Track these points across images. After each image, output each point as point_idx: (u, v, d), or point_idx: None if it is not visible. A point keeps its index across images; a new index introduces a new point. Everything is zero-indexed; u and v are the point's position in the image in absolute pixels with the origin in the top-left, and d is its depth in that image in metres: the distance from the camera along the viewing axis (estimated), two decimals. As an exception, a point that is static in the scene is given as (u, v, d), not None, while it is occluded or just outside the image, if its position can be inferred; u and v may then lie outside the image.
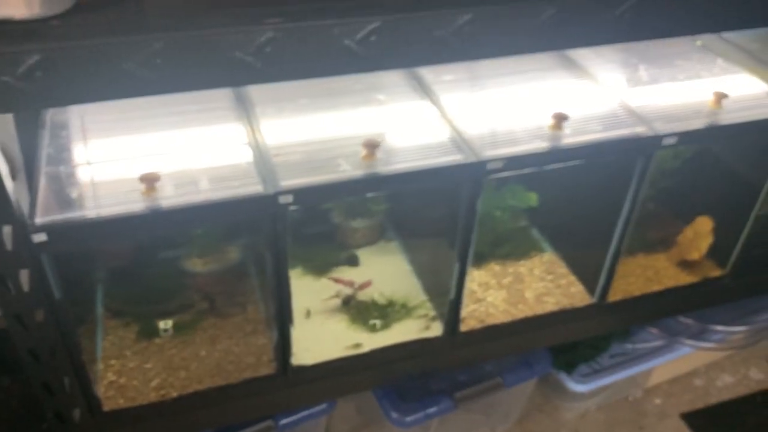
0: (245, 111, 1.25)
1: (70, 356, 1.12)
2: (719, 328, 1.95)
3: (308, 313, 1.44)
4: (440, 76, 1.41)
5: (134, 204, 1.01)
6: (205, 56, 0.87)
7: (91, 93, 0.82)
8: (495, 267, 1.61)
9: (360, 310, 1.46)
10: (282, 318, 1.24)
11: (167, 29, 0.84)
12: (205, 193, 1.04)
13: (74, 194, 1.02)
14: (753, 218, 1.56)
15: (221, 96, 1.29)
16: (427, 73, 1.41)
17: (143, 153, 1.14)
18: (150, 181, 1.02)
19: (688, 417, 1.98)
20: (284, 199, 1.06)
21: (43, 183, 1.03)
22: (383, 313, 1.46)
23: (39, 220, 0.96)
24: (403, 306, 1.48)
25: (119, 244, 1.39)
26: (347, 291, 1.47)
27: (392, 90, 1.36)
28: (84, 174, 1.08)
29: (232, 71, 0.89)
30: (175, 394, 1.29)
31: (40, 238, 0.94)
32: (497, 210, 1.63)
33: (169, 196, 1.03)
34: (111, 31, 0.83)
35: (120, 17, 0.87)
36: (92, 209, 0.99)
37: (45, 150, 1.11)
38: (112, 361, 1.33)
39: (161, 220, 1.02)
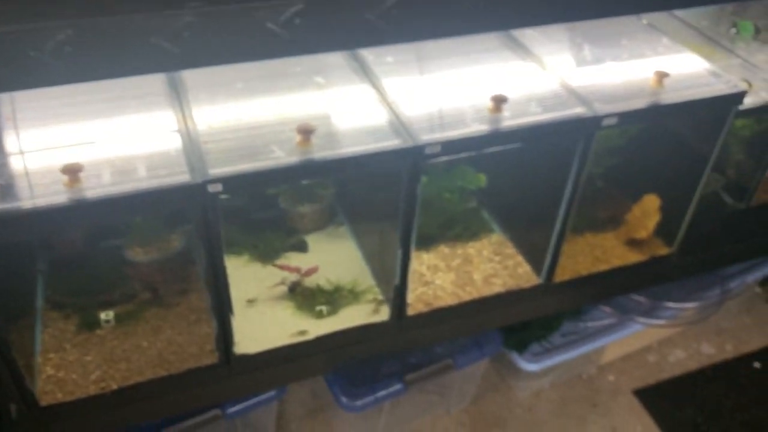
0: (177, 97, 1.21)
1: (2, 351, 1.09)
2: (670, 304, 1.98)
3: (252, 301, 1.42)
4: (381, 58, 1.38)
5: (56, 196, 0.98)
6: (119, 43, 0.84)
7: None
8: (444, 249, 1.60)
9: (306, 297, 1.44)
10: (221, 307, 1.22)
11: (76, 15, 0.80)
12: (131, 183, 1.01)
13: (-7, 186, 0.98)
14: (698, 196, 1.57)
15: (153, 82, 1.25)
16: (367, 54, 1.39)
17: (69, 142, 1.10)
18: (72, 171, 0.99)
19: (641, 393, 2.01)
20: (213, 188, 1.03)
21: (-40, 176, 1.00)
22: (330, 299, 1.45)
23: (-47, 213, 0.92)
24: (351, 291, 1.47)
25: (50, 235, 1.36)
26: (293, 278, 1.46)
27: (331, 73, 1.33)
28: (4, 165, 1.04)
29: (148, 58, 0.86)
30: (115, 387, 1.26)
31: (-43, 232, 0.91)
32: (446, 192, 1.62)
33: (94, 187, 1.00)
34: (16, 18, 0.79)
35: (25, 3, 0.83)
36: (12, 201, 0.96)
37: (-36, 141, 1.07)
38: (51, 355, 1.30)
39: (85, 211, 0.99)
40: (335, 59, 1.37)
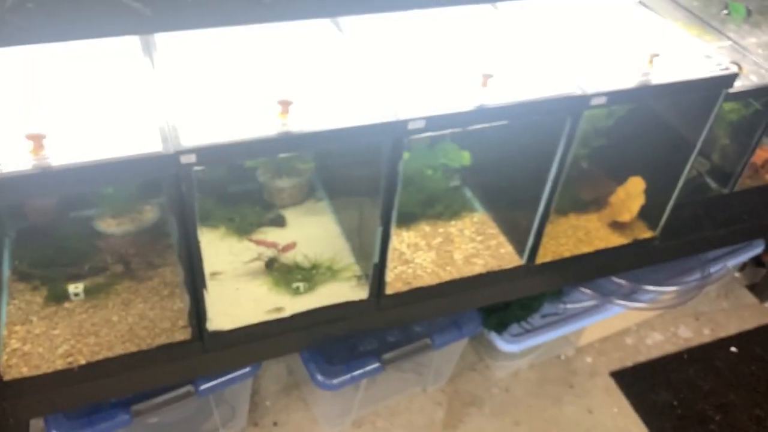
0: (151, 63, 1.16)
1: (-39, 324, 1.05)
2: (650, 288, 1.97)
3: (226, 276, 1.38)
4: (365, 28, 1.34)
5: (20, 164, 0.93)
6: (85, 1, 0.78)
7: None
8: (425, 227, 1.57)
9: (283, 273, 1.41)
10: (194, 282, 1.18)
11: (38, -30, 0.75)
12: (100, 151, 0.96)
13: (-49, 152, 0.93)
14: (683, 180, 1.55)
15: (126, 44, 1.19)
16: (350, 23, 1.33)
17: (37, 107, 1.05)
18: (37, 139, 0.94)
19: (617, 375, 2.01)
20: (186, 159, 0.99)
21: None
22: (307, 275, 1.42)
23: None
24: (329, 268, 1.44)
25: (17, 204, 1.31)
26: (270, 253, 1.42)
27: (314, 43, 1.28)
28: (-33, 129, 0.99)
29: (118, 19, 0.82)
30: (83, 362, 1.23)
31: None
32: (429, 169, 1.59)
33: (60, 156, 0.95)
34: (-27, -30, 0.74)
35: (-16, -45, 0.78)
36: (-29, 168, 0.91)
37: (-77, 102, 1.02)
38: (17, 327, 1.26)
39: (50, 180, 0.94)
40: (318, 28, 1.32)
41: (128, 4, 0.81)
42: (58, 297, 1.31)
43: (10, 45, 0.76)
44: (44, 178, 0.94)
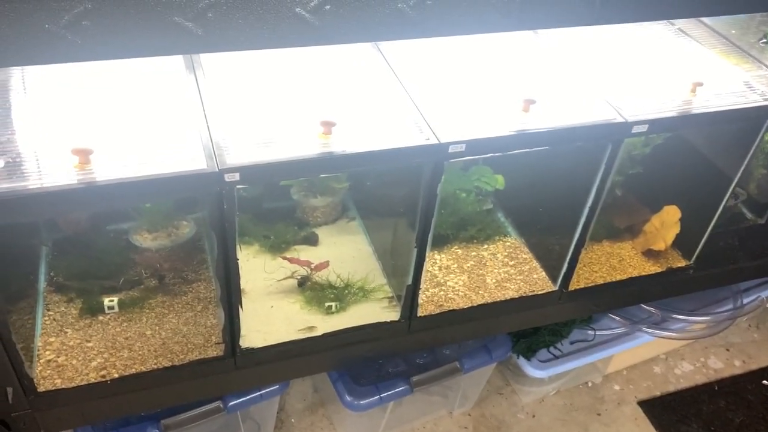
0: (196, 81, 1.17)
1: (1, 333, 1.06)
2: (681, 317, 1.94)
3: (259, 294, 1.38)
4: (407, 53, 1.34)
5: (65, 178, 0.94)
6: (140, 20, 0.80)
7: (7, 56, 0.74)
8: (458, 250, 1.56)
9: (315, 292, 1.41)
10: (230, 299, 1.18)
11: (98, -11, 0.76)
12: (145, 167, 0.97)
13: (0, 165, 0.94)
14: (721, 209, 1.53)
15: (172, 63, 1.21)
16: (393, 48, 1.34)
17: (83, 122, 1.06)
18: (83, 154, 0.95)
19: (645, 404, 1.98)
20: (230, 177, 0.99)
21: (-33, 151, 0.96)
22: (340, 295, 1.41)
23: (-41, 191, 0.88)
24: (361, 288, 1.43)
25: (58, 217, 1.32)
26: (303, 272, 1.42)
27: (357, 64, 1.29)
28: (15, 143, 1.00)
29: (170, 38, 0.83)
30: (116, 375, 1.23)
31: (-41, 211, 0.87)
32: (462, 192, 1.58)
33: (105, 170, 0.96)
34: (34, -12, 0.75)
35: (45, -27, 0.79)
36: (19, 181, 0.92)
37: (-26, 115, 1.03)
38: (52, 339, 1.27)
39: (94, 195, 0.95)
40: (358, 51, 1.32)
41: (181, 24, 0.82)
42: (93, 310, 1.32)
43: (66, 61, 0.77)
44: (89, 192, 0.94)
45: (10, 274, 1.17)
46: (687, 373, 2.10)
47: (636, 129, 1.22)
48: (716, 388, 2.06)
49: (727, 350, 2.17)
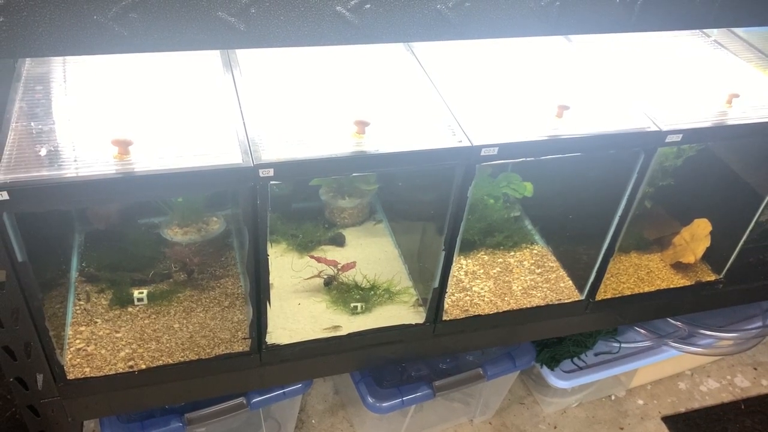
0: (233, 76, 1.19)
1: (33, 321, 1.08)
2: (709, 332, 1.91)
3: (286, 291, 1.39)
4: (440, 54, 1.35)
5: (104, 168, 0.96)
6: (185, 14, 0.81)
7: (55, 46, 0.76)
8: (484, 256, 1.56)
9: (341, 292, 1.41)
10: (258, 295, 1.19)
11: (145, -18, 0.78)
12: (182, 160, 0.99)
13: (42, 153, 0.96)
14: (753, 224, 1.51)
15: (210, 58, 1.23)
16: (426, 49, 1.35)
17: (122, 114, 1.08)
18: (123, 144, 0.96)
19: (669, 420, 1.95)
20: (265, 173, 1.00)
21: (10, 140, 0.98)
22: (365, 296, 1.42)
23: (1, 177, 0.90)
24: (387, 290, 1.44)
25: (93, 207, 1.35)
26: (330, 271, 1.43)
27: (390, 65, 1.30)
28: (56, 133, 1.02)
29: (213, 33, 0.84)
30: (144, 366, 1.24)
31: (1, 196, 0.89)
32: (491, 198, 1.58)
33: (143, 162, 0.98)
34: (83, -21, 0.77)
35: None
36: (59, 170, 0.94)
37: (17, 104, 1.06)
38: (82, 328, 1.29)
39: (132, 186, 0.97)
40: (393, 51, 1.34)
41: (224, 19, 0.83)
42: (123, 301, 1.34)
43: (112, 52, 0.79)
44: (127, 183, 0.96)
45: (45, 262, 1.19)
46: (713, 391, 2.07)
47: (670, 138, 1.22)
48: (742, 406, 2.02)
49: (755, 369, 2.14)
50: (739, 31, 1.64)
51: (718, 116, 1.27)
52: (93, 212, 1.42)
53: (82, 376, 1.21)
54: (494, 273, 1.52)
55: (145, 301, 1.34)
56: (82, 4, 0.76)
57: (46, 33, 0.75)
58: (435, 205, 1.29)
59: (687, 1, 1.01)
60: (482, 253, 1.57)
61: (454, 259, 1.31)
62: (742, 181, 1.51)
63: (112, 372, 1.23)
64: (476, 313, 1.43)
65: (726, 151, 1.54)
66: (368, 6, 0.88)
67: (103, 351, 1.25)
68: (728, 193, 1.54)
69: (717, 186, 1.55)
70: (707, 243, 1.58)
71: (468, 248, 1.56)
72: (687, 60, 1.47)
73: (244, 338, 1.28)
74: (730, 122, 1.26)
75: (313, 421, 1.80)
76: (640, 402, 2.00)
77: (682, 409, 1.99)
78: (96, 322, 1.30)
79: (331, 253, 1.51)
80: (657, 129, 1.22)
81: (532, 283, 1.51)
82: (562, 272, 1.53)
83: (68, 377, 1.20)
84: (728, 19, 1.07)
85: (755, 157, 1.47)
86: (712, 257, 1.60)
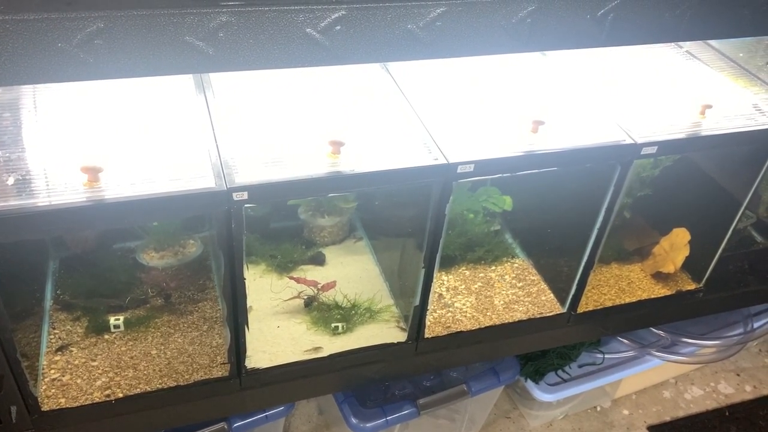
0: (205, 99, 1.18)
1: (4, 353, 1.05)
2: (691, 341, 1.92)
3: (265, 314, 1.37)
4: (415, 72, 1.34)
5: (73, 196, 0.94)
6: (151, 39, 0.80)
7: (19, 74, 0.75)
8: (465, 271, 1.55)
9: (322, 312, 1.40)
10: (236, 319, 1.17)
11: (108, 7, 0.77)
12: (153, 185, 0.97)
13: (9, 182, 0.94)
14: (731, 232, 1.52)
15: (180, 82, 1.22)
16: (401, 68, 1.35)
17: (93, 139, 1.06)
18: (93, 171, 0.95)
19: (655, 429, 1.95)
20: (239, 196, 0.99)
21: (-24, 168, 0.96)
22: (346, 316, 1.40)
23: (-33, 208, 0.88)
24: (368, 309, 1.42)
25: (66, 234, 1.32)
26: (310, 292, 1.41)
27: (365, 84, 1.29)
28: (25, 161, 1.00)
29: (181, 57, 0.83)
30: (121, 395, 1.22)
31: (-33, 227, 0.87)
32: (470, 212, 1.58)
33: (114, 188, 0.96)
34: (44, 5, 0.75)
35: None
36: (27, 199, 0.92)
37: (-16, 132, 1.04)
38: (57, 357, 1.26)
39: (102, 213, 0.95)
40: (367, 71, 1.33)
41: (193, 44, 0.82)
42: (99, 328, 1.31)
43: (78, 80, 0.77)
44: (98, 210, 0.94)
45: (17, 291, 1.17)
46: (697, 398, 2.07)
47: (645, 150, 1.22)
48: (727, 413, 2.03)
49: (738, 375, 2.15)
50: (712, 41, 1.65)
51: (692, 127, 1.27)
52: (70, 236, 1.40)
53: (57, 407, 1.19)
54: (476, 288, 1.51)
55: (122, 328, 1.32)
56: (46, 32, 0.74)
57: (9, 62, 0.74)
58: (414, 222, 1.28)
59: (657, 16, 1.02)
60: (463, 268, 1.56)
61: (435, 275, 1.31)
62: (719, 190, 1.52)
63: (89, 402, 1.20)
64: (459, 330, 1.42)
65: (703, 160, 1.55)
66: (339, 27, 0.87)
67: (78, 380, 1.23)
68: (706, 202, 1.55)
69: (695, 195, 1.56)
70: (686, 252, 1.58)
71: (449, 264, 1.55)
72: (660, 71, 1.48)
73: (223, 363, 1.26)
74: (704, 133, 1.27)
75: (298, 442, 1.78)
76: (626, 412, 2.00)
77: (668, 418, 1.99)
78: (71, 351, 1.28)
79: (312, 272, 1.49)
80: (632, 142, 1.22)
81: (514, 297, 1.50)
82: (544, 285, 1.53)
83: (43, 409, 1.17)
84: (697, 32, 1.08)
85: (732, 165, 1.48)
86: (691, 266, 1.61)
